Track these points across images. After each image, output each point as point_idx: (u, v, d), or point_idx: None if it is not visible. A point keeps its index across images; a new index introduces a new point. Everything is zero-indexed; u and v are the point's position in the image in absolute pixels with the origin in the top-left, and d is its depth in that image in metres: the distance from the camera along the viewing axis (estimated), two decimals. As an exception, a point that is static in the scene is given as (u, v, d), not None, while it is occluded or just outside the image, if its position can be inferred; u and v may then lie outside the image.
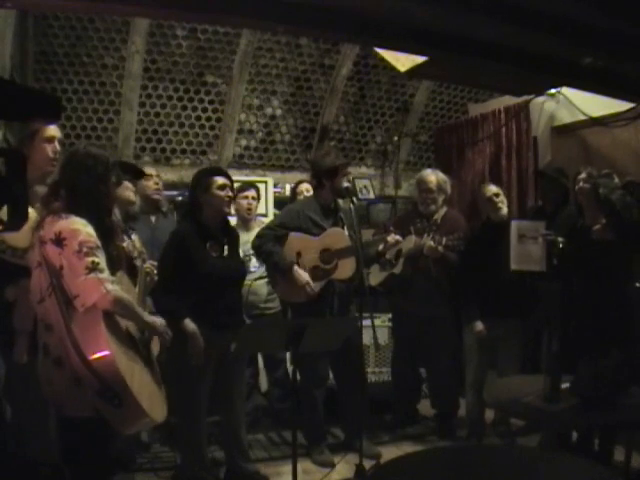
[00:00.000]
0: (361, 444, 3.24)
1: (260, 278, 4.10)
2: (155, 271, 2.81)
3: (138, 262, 2.66)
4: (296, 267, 3.54)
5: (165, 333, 2.34)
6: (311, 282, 3.53)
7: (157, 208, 3.99)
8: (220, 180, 3.10)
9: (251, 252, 4.07)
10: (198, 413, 3.09)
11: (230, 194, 3.15)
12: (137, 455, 3.50)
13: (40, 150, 2.54)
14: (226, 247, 3.16)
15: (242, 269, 3.34)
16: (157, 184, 3.99)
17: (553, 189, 3.90)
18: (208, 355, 2.98)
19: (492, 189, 3.85)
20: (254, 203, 4.27)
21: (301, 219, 3.63)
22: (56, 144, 2.59)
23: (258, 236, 3.67)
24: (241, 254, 3.83)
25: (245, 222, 4.21)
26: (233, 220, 4.13)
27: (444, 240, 3.69)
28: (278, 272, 3.60)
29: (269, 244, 3.58)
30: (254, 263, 4.11)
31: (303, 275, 3.54)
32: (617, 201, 2.97)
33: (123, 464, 3.30)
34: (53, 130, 2.58)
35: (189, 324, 2.94)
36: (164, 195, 4.15)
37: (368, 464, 3.26)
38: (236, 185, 4.28)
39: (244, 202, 4.21)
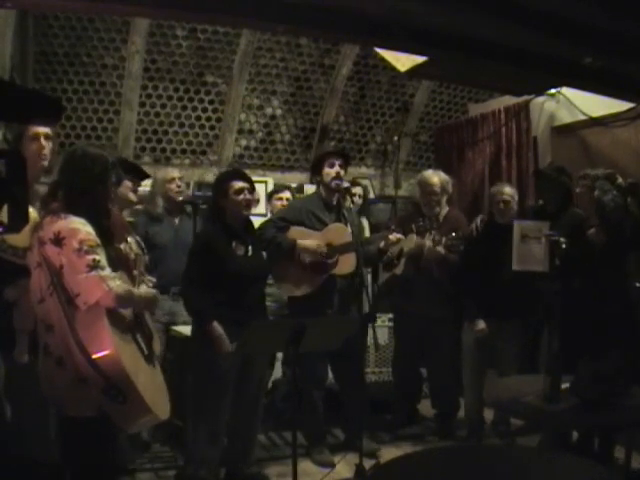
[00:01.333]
0: (361, 444, 3.24)
1: None
2: (151, 284, 2.84)
3: (135, 264, 2.66)
4: (299, 240, 3.55)
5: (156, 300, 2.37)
6: (321, 244, 3.54)
7: (181, 210, 4.02)
8: (237, 185, 3.14)
9: None
10: (220, 413, 3.11)
11: (248, 197, 3.19)
12: (137, 455, 3.50)
13: (28, 149, 2.54)
14: (250, 247, 3.21)
15: (265, 267, 3.39)
16: (179, 186, 4.03)
17: (553, 189, 3.87)
18: (235, 355, 3.02)
19: (506, 191, 3.80)
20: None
21: (303, 214, 3.66)
22: (42, 140, 2.58)
23: (259, 227, 3.71)
24: None
25: None
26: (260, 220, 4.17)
27: (443, 240, 3.69)
28: (281, 256, 3.59)
29: (270, 232, 3.61)
30: None
31: (310, 241, 3.54)
32: (608, 203, 2.96)
33: (124, 468, 3.30)
34: (37, 127, 2.57)
35: (217, 328, 2.99)
36: (188, 196, 4.20)
37: (368, 464, 3.26)
38: (272, 187, 4.53)
39: (278, 203, 4.34)
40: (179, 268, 3.21)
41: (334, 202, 3.70)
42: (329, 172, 3.61)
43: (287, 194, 4.40)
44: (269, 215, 4.41)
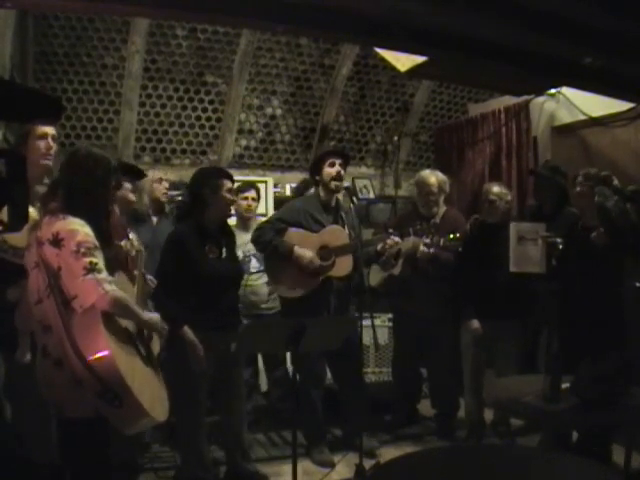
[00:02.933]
0: (361, 444, 3.24)
1: (258, 272, 4.09)
2: (153, 285, 2.83)
3: (137, 259, 2.66)
4: (296, 247, 3.55)
5: (162, 329, 2.34)
6: (316, 257, 3.54)
7: (161, 210, 3.99)
8: (229, 183, 3.15)
9: (251, 252, 4.07)
10: (198, 413, 3.10)
11: (234, 197, 3.23)
12: (137, 455, 3.50)
13: (34, 149, 2.55)
14: (224, 249, 3.17)
15: (240, 270, 3.36)
16: (167, 188, 4.01)
17: (549, 188, 3.87)
18: (207, 356, 2.99)
19: (492, 191, 3.78)
20: (254, 204, 4.26)
21: (301, 215, 3.65)
22: (49, 140, 2.59)
23: (257, 229, 3.70)
24: (240, 255, 3.84)
25: (244, 222, 4.21)
26: (232, 220, 4.15)
27: (442, 241, 3.67)
28: (278, 258, 3.59)
29: (268, 234, 3.61)
30: (254, 264, 4.12)
31: (306, 252, 3.54)
32: (612, 209, 2.96)
33: (130, 468, 3.30)
34: (46, 127, 2.58)
35: (188, 333, 2.95)
36: (175, 197, 4.17)
37: (368, 464, 3.26)
38: (236, 185, 4.31)
39: (244, 203, 4.20)
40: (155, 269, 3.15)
41: (332, 203, 3.70)
42: (329, 172, 3.60)
43: (252, 193, 4.25)
44: (234, 215, 4.18)
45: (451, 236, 3.64)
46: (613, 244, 3.05)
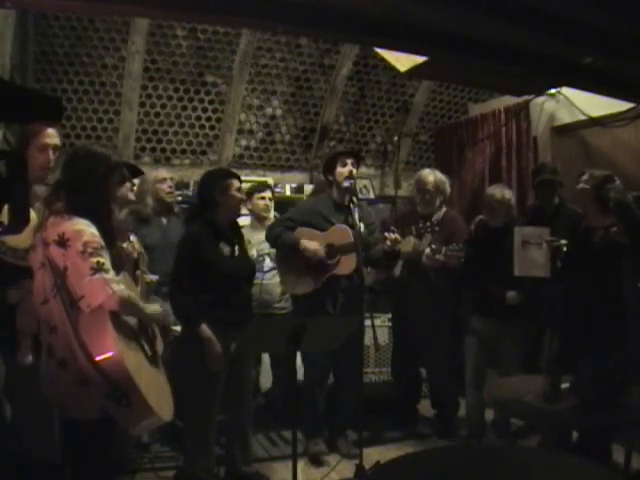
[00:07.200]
0: (361, 444, 3.23)
1: (271, 270, 4.11)
2: (153, 282, 2.84)
3: (139, 263, 2.66)
4: (303, 240, 3.58)
5: (165, 321, 2.34)
6: (321, 249, 3.57)
7: (170, 210, 4.00)
8: (237, 183, 3.18)
9: (265, 252, 4.11)
10: (211, 413, 3.12)
11: (243, 197, 3.27)
12: (137, 455, 3.50)
13: (33, 158, 2.46)
14: (237, 246, 3.22)
15: (252, 267, 3.40)
16: (171, 187, 4.01)
17: (552, 191, 3.90)
18: (224, 355, 3.02)
19: (496, 194, 3.74)
20: (270, 203, 4.31)
21: (311, 214, 3.69)
22: (50, 153, 2.50)
23: (269, 226, 3.79)
24: (255, 254, 3.91)
25: (261, 222, 4.23)
26: (246, 220, 4.19)
27: (443, 249, 3.65)
28: (287, 252, 3.63)
29: (277, 229, 3.68)
30: (268, 263, 4.13)
31: (311, 243, 3.57)
32: (631, 203, 2.95)
33: (125, 468, 3.30)
34: (47, 138, 2.49)
35: (205, 331, 2.98)
36: (177, 196, 4.17)
37: (350, 464, 3.26)
38: (249, 185, 4.36)
39: (261, 202, 4.26)
40: (169, 269, 3.17)
41: (345, 202, 3.69)
42: (342, 172, 3.62)
43: (268, 193, 4.30)
44: (249, 215, 4.34)
45: (451, 247, 3.63)
46: (634, 241, 3.01)
